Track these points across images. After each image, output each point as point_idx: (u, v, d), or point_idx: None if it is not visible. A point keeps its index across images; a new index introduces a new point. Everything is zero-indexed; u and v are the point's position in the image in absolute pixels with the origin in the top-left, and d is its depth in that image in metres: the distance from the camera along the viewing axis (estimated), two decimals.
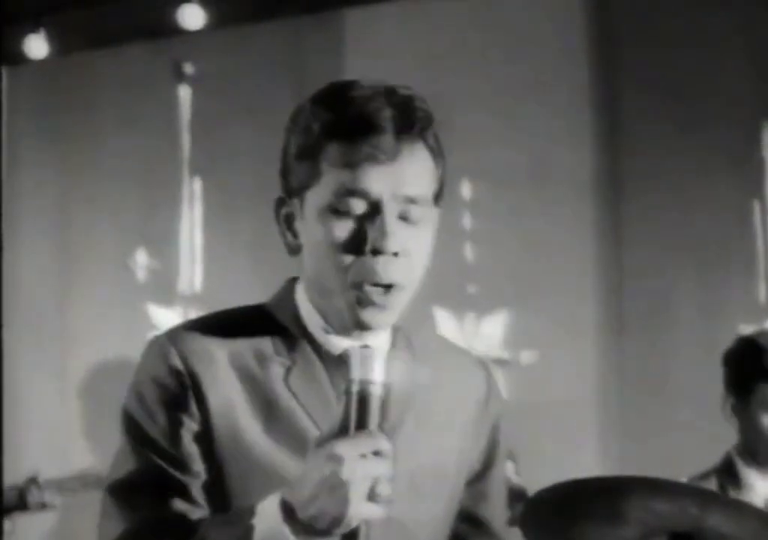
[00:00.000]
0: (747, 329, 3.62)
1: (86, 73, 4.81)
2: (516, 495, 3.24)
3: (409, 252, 1.52)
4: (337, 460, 1.36)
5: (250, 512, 1.42)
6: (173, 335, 1.56)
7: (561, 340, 4.05)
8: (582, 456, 3.93)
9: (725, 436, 2.96)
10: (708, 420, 3.17)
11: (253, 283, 4.41)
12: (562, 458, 3.76)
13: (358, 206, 1.51)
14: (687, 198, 3.98)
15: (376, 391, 1.41)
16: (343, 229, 1.51)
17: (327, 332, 1.57)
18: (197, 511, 1.51)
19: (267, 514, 1.41)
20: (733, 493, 2.81)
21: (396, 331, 1.62)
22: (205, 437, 1.52)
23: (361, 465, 1.37)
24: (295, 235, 1.60)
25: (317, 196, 1.53)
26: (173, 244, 4.70)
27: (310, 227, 1.55)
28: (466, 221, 4.19)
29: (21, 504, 3.86)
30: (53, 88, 4.88)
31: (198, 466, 1.52)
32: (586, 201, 4.11)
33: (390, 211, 1.50)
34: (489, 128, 4.10)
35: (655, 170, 4.04)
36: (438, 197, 1.60)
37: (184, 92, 4.72)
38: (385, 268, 1.50)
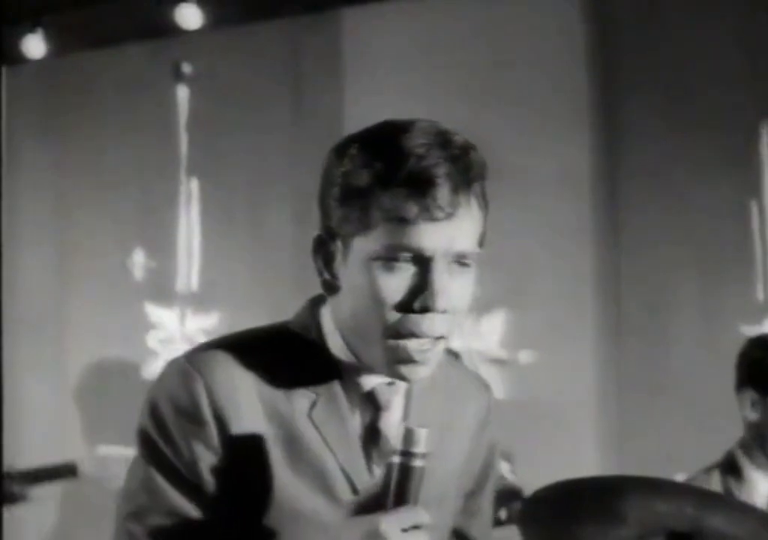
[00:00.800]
0: (746, 329, 3.62)
1: (85, 73, 4.81)
2: (511, 494, 3.25)
3: (456, 308, 1.49)
4: (381, 537, 1.37)
5: None
6: (197, 361, 1.51)
7: (559, 340, 4.05)
8: (580, 456, 3.93)
9: (725, 435, 2.96)
10: (707, 419, 3.18)
11: (250, 283, 4.41)
12: (561, 458, 3.76)
13: (409, 262, 1.46)
14: (686, 198, 3.98)
15: (418, 464, 1.40)
16: (392, 283, 1.46)
17: (354, 366, 1.54)
18: None
19: None
20: (735, 489, 2.81)
21: None
22: (226, 471, 1.48)
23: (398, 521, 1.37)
24: (333, 275, 1.53)
25: (365, 244, 1.47)
26: (171, 243, 4.70)
27: (353, 274, 1.49)
28: None
29: None
30: (52, 88, 4.88)
31: (218, 498, 1.49)
32: (585, 201, 4.11)
33: (441, 269, 1.47)
34: (488, 128, 4.10)
35: (654, 171, 4.04)
36: (482, 241, 1.57)
37: (183, 92, 4.72)
38: (432, 324, 1.47)
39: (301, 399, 1.52)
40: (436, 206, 1.45)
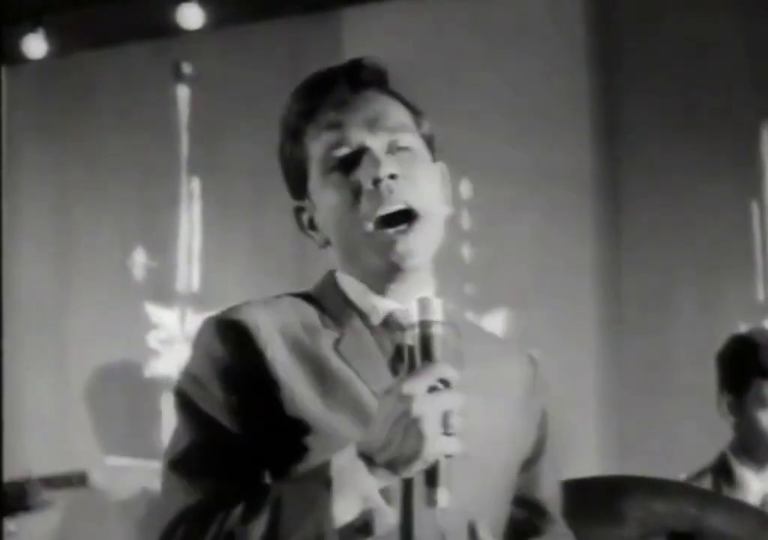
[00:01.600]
0: (745, 328, 3.63)
1: (85, 73, 4.81)
2: None
3: (409, 176, 1.56)
4: (407, 398, 1.38)
5: (326, 466, 1.42)
6: (223, 313, 1.58)
7: (560, 339, 4.05)
8: (581, 456, 3.93)
9: (725, 434, 2.96)
10: (707, 419, 3.18)
11: (251, 283, 4.41)
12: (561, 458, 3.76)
13: (347, 157, 1.57)
14: (686, 198, 3.98)
15: (437, 331, 1.43)
16: (343, 181, 1.57)
17: (372, 299, 1.59)
18: (260, 478, 1.50)
19: (344, 464, 1.41)
20: (727, 491, 2.82)
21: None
22: (262, 404, 1.51)
23: (430, 399, 1.38)
24: (318, 229, 1.65)
25: (315, 174, 1.62)
26: (172, 243, 4.70)
27: (321, 206, 1.61)
28: (466, 221, 4.19)
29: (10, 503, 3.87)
30: (52, 87, 4.88)
31: (257, 433, 1.51)
32: (586, 201, 4.11)
33: (375, 146, 1.56)
34: (488, 128, 4.10)
35: (654, 170, 4.04)
36: (430, 144, 1.65)
37: (183, 92, 4.72)
38: (389, 190, 1.54)
39: (326, 338, 1.57)
40: (341, 100, 1.60)
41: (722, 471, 2.88)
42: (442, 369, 1.41)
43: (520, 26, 4.17)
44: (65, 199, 4.85)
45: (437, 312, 1.44)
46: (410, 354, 1.44)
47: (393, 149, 1.58)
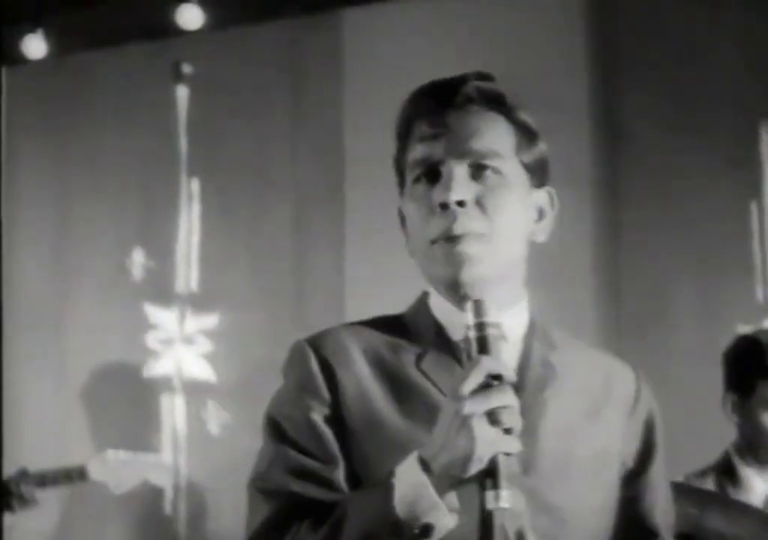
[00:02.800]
0: (745, 329, 3.62)
1: (85, 74, 4.80)
2: None
3: (484, 203, 1.56)
4: (458, 398, 1.39)
5: (389, 474, 1.43)
6: (310, 338, 1.61)
7: None
8: None
9: (725, 435, 2.96)
10: (707, 419, 3.17)
11: (250, 284, 4.41)
12: None
13: (428, 173, 1.58)
14: (686, 199, 3.98)
15: (491, 331, 1.44)
16: (421, 196, 1.57)
17: (454, 314, 1.58)
18: (338, 496, 1.51)
19: (406, 472, 1.42)
20: (731, 492, 2.81)
21: (533, 321, 1.67)
22: (342, 423, 1.53)
23: (480, 397, 1.38)
24: (405, 227, 1.67)
25: (407, 180, 1.62)
26: (171, 244, 4.69)
27: (407, 212, 1.63)
28: None
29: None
30: (52, 88, 4.88)
31: (335, 453, 1.53)
32: (585, 201, 4.11)
33: (455, 169, 1.56)
34: None
35: (654, 171, 4.03)
36: (535, 169, 1.65)
37: (183, 92, 4.72)
38: (455, 219, 1.54)
39: (408, 354, 1.58)
40: (439, 113, 1.58)
41: (726, 471, 2.87)
42: (492, 364, 1.41)
43: (521, 26, 4.17)
44: (65, 199, 4.85)
45: (490, 314, 1.45)
46: (468, 355, 1.45)
47: (478, 172, 1.57)
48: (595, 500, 1.60)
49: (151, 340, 4.64)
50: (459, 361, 1.57)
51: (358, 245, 4.18)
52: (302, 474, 1.52)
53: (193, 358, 4.56)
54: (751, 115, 3.96)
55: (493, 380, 1.40)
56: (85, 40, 4.69)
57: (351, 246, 4.22)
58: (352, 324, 1.65)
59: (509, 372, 1.42)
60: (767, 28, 3.90)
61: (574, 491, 1.56)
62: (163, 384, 4.58)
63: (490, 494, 1.38)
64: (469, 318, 1.46)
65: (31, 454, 4.41)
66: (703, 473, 2.90)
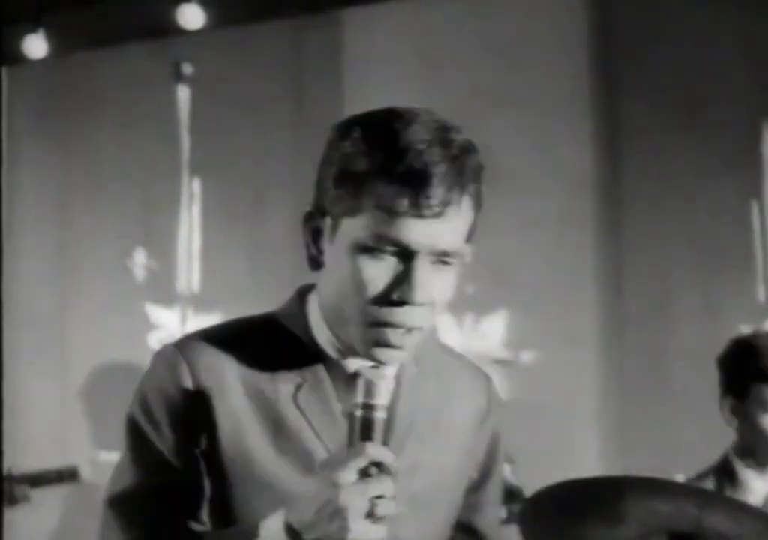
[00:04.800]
0: (746, 329, 3.62)
1: (86, 73, 4.81)
2: (512, 495, 3.25)
3: (434, 301, 1.49)
4: (335, 486, 1.37)
5: (254, 530, 1.42)
6: (183, 346, 1.54)
7: (561, 340, 4.05)
8: (581, 456, 3.93)
9: (725, 436, 2.96)
10: (708, 420, 3.17)
11: (251, 283, 4.42)
12: (562, 458, 3.76)
13: (393, 254, 1.47)
14: (686, 198, 3.98)
15: (379, 416, 1.41)
16: (373, 272, 1.47)
17: (339, 352, 1.55)
18: (199, 526, 1.50)
19: (271, 533, 1.41)
20: (730, 493, 2.81)
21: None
22: (212, 453, 1.50)
23: (357, 489, 1.37)
24: (320, 250, 1.54)
25: (353, 229, 1.48)
26: (172, 244, 4.70)
27: (339, 255, 1.50)
28: None
29: None
30: (53, 88, 4.88)
31: (202, 481, 1.50)
32: (586, 201, 4.11)
33: (423, 265, 1.47)
34: (488, 128, 4.10)
35: (654, 171, 4.04)
36: (470, 238, 1.56)
37: (183, 92, 4.72)
38: (409, 316, 1.47)
39: (286, 383, 1.53)
40: (427, 205, 1.45)
41: (725, 472, 2.87)
42: (375, 452, 1.39)
43: (521, 27, 4.17)
44: (65, 199, 4.85)
45: (382, 395, 1.41)
46: (351, 432, 1.41)
47: (437, 265, 1.49)
48: (439, 524, 1.63)
49: (153, 339, 4.65)
50: (340, 400, 1.54)
51: None
52: (167, 500, 1.49)
53: None
54: (751, 114, 3.96)
55: (373, 467, 1.39)
56: (85, 39, 4.69)
57: None
58: (227, 330, 1.58)
59: (390, 460, 1.40)
60: (767, 28, 3.90)
61: (423, 522, 1.58)
62: None
63: None
64: (359, 395, 1.41)
65: (31, 453, 4.41)
66: (702, 475, 2.90)
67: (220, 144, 4.62)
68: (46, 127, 4.88)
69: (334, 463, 1.39)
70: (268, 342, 1.56)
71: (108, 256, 4.75)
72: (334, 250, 1.50)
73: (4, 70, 4.69)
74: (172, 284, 4.69)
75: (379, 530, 1.39)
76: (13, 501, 3.95)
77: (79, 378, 4.66)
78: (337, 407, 1.54)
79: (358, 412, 1.41)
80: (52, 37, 4.63)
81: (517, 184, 4.08)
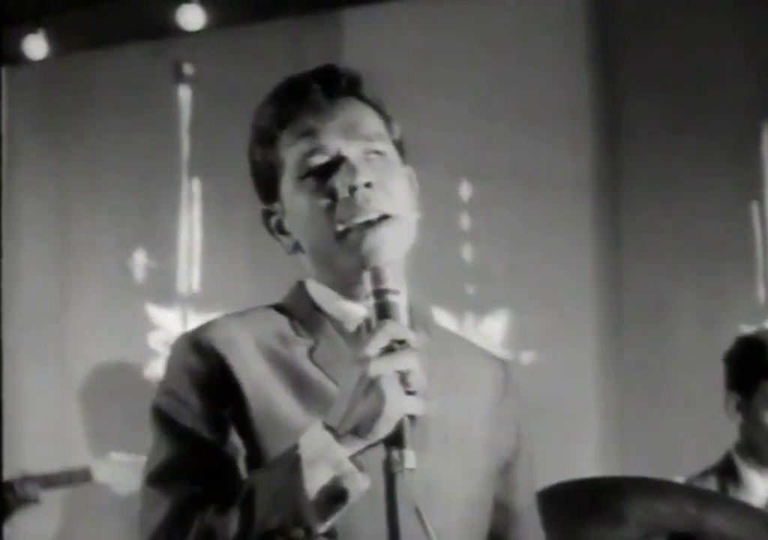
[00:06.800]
0: (747, 330, 3.62)
1: (86, 74, 4.80)
2: None
3: (384, 184, 1.57)
4: (363, 361, 1.40)
5: (294, 446, 1.43)
6: (197, 329, 1.61)
7: (560, 340, 4.05)
8: (581, 456, 3.93)
9: (725, 436, 2.96)
10: (708, 420, 3.18)
11: (251, 284, 4.41)
12: (562, 459, 3.76)
13: (322, 164, 1.58)
14: (686, 199, 3.98)
15: (391, 298, 1.45)
16: (318, 187, 1.58)
17: (343, 305, 1.60)
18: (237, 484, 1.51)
19: (311, 439, 1.42)
20: (732, 492, 2.81)
21: (412, 311, 1.61)
22: (240, 415, 1.53)
23: (386, 359, 1.40)
24: (288, 234, 1.68)
25: (288, 180, 1.62)
26: (172, 244, 4.70)
27: (293, 211, 1.63)
28: (465, 221, 4.18)
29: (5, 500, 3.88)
30: (53, 88, 4.88)
31: (236, 443, 1.52)
32: (586, 202, 4.11)
33: (351, 154, 1.58)
34: (488, 128, 4.10)
35: (654, 171, 4.04)
36: (400, 149, 1.66)
37: (184, 93, 4.72)
38: (366, 200, 1.55)
39: (300, 346, 1.58)
40: (318, 107, 1.61)
41: (727, 472, 2.88)
42: (396, 328, 1.42)
43: (520, 27, 4.17)
44: (65, 200, 4.85)
45: (389, 280, 1.47)
46: (368, 325, 1.46)
47: (368, 156, 1.59)
48: (477, 494, 1.62)
49: (153, 340, 4.65)
50: (353, 351, 1.56)
51: None
52: (203, 466, 1.51)
53: None
54: (751, 115, 3.96)
55: (397, 344, 1.41)
56: (85, 40, 4.69)
57: None
58: (235, 315, 1.64)
59: (412, 337, 1.43)
60: (767, 28, 3.90)
61: (461, 487, 1.59)
62: None
63: (395, 455, 1.40)
64: (368, 286, 1.47)
65: (32, 454, 4.41)
66: (704, 474, 2.90)
67: (221, 144, 4.62)
68: (46, 127, 4.88)
69: (355, 351, 1.43)
70: (277, 318, 1.63)
71: (108, 256, 4.74)
72: (290, 213, 1.64)
73: (4, 70, 4.70)
74: (172, 284, 4.69)
75: (417, 403, 1.40)
76: (23, 503, 3.95)
77: (79, 378, 4.66)
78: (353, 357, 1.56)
79: (371, 301, 1.45)
80: (52, 37, 4.63)
81: (516, 184, 4.08)
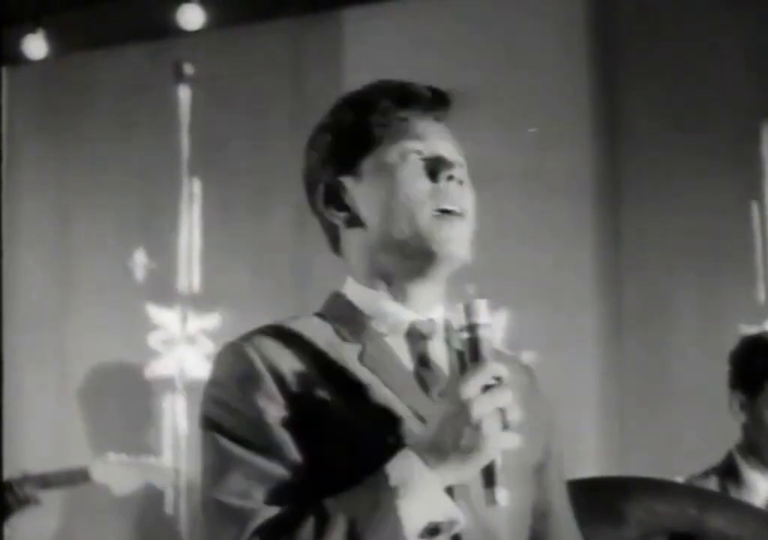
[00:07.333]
0: (747, 330, 3.62)
1: (86, 74, 4.80)
2: None
3: (466, 191, 1.69)
4: (464, 403, 1.43)
5: (383, 478, 1.44)
6: (243, 337, 1.60)
7: (561, 340, 4.05)
8: (582, 456, 3.93)
9: (726, 435, 2.96)
10: (708, 420, 3.18)
11: (251, 283, 4.41)
12: None
13: (425, 156, 1.66)
14: (686, 199, 3.98)
15: (484, 333, 1.50)
16: (416, 172, 1.64)
17: (388, 307, 1.63)
18: (310, 494, 1.50)
19: (403, 470, 1.44)
20: (734, 493, 2.81)
21: (447, 317, 1.69)
22: (293, 422, 1.53)
23: (487, 399, 1.44)
24: (347, 209, 1.68)
25: (377, 158, 1.66)
26: (172, 244, 4.70)
27: (376, 187, 1.65)
28: None
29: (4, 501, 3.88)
30: (53, 88, 4.88)
31: (295, 456, 1.52)
32: (586, 201, 4.11)
33: (450, 158, 1.67)
34: (488, 128, 4.10)
35: (654, 171, 4.04)
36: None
37: (184, 93, 4.72)
38: (458, 194, 1.66)
39: (349, 351, 1.60)
40: (425, 114, 1.69)
41: (729, 472, 2.88)
42: (493, 367, 1.47)
43: (521, 27, 4.17)
44: (65, 200, 4.85)
45: (483, 314, 1.52)
46: (460, 357, 1.51)
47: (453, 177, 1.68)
48: (522, 494, 1.64)
49: (153, 340, 4.65)
50: (401, 354, 1.62)
51: None
52: (265, 479, 1.50)
53: (195, 359, 4.57)
54: (751, 115, 3.96)
55: (494, 381, 1.46)
56: (85, 40, 4.69)
57: None
58: (278, 323, 1.64)
59: (506, 372, 1.47)
60: (767, 28, 3.90)
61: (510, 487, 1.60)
62: (165, 384, 4.59)
63: (489, 492, 1.44)
64: (462, 319, 1.52)
65: (31, 454, 4.41)
66: (705, 474, 2.90)
67: (220, 144, 4.62)
68: (46, 127, 4.88)
69: (454, 386, 1.46)
70: (321, 324, 1.64)
71: (108, 257, 4.74)
72: (370, 189, 1.66)
73: (4, 70, 4.70)
74: (172, 284, 4.69)
75: (512, 438, 1.44)
76: (22, 503, 3.95)
77: (79, 378, 4.66)
78: (401, 363, 1.60)
79: (464, 335, 1.50)
80: (52, 37, 4.63)
81: (516, 184, 4.08)
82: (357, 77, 4.40)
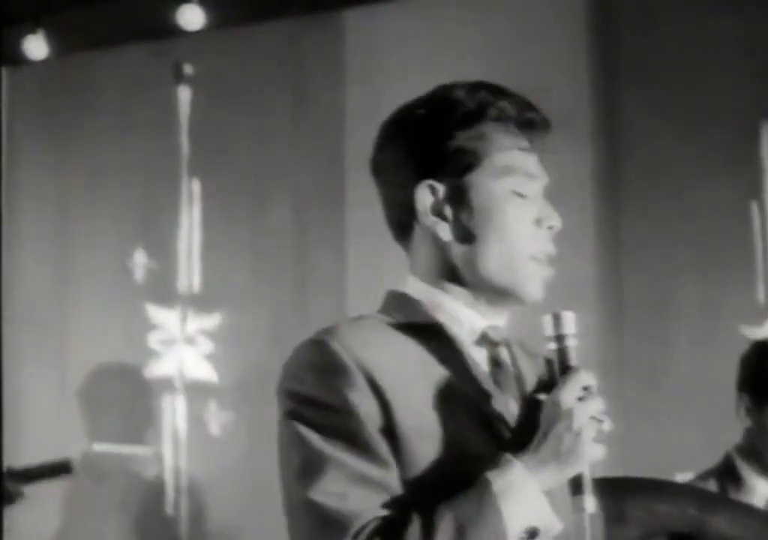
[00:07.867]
0: (747, 329, 3.62)
1: (86, 74, 4.81)
2: None
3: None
4: (568, 411, 1.48)
5: (485, 484, 1.45)
6: (323, 330, 1.57)
7: None
8: None
9: (725, 435, 2.96)
10: (708, 420, 3.17)
11: (251, 283, 4.41)
12: None
13: (530, 188, 1.65)
14: (686, 198, 3.98)
15: (572, 343, 1.56)
16: (520, 205, 1.63)
17: (462, 313, 1.64)
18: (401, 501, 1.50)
19: (505, 475, 1.46)
20: (733, 494, 2.81)
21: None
22: (387, 423, 1.51)
23: (583, 409, 1.48)
24: (445, 218, 1.63)
25: (487, 171, 1.63)
26: (172, 244, 4.70)
27: (488, 202, 1.62)
28: None
29: None
30: (53, 88, 4.88)
31: (389, 458, 1.50)
32: (586, 201, 4.11)
33: (553, 217, 1.68)
34: None
35: (654, 170, 4.04)
36: None
37: (184, 93, 4.72)
38: (551, 242, 1.66)
39: (425, 354, 1.58)
40: (533, 136, 1.73)
41: (728, 473, 2.87)
42: (584, 377, 1.51)
43: (521, 27, 4.17)
44: (65, 199, 4.85)
45: (570, 325, 1.58)
46: (549, 367, 1.54)
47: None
48: None
49: (153, 340, 4.65)
50: (475, 359, 1.63)
51: (358, 245, 4.18)
52: (363, 481, 1.48)
53: (195, 359, 4.57)
54: (751, 115, 3.96)
55: (585, 391, 1.51)
56: (85, 40, 4.69)
57: (351, 245, 4.22)
58: (355, 319, 1.62)
59: (594, 382, 1.52)
60: (767, 28, 3.90)
61: None
62: (165, 384, 4.59)
63: (577, 499, 1.48)
64: (548, 330, 1.59)
65: (31, 453, 4.41)
66: (704, 476, 2.89)
67: (220, 144, 4.62)
68: (46, 127, 4.88)
69: (554, 395, 1.49)
70: (392, 324, 1.61)
71: (108, 257, 4.74)
72: (483, 202, 1.62)
73: (4, 70, 4.70)
74: (173, 285, 4.69)
75: (602, 449, 1.51)
76: (9, 499, 3.94)
77: (79, 378, 4.66)
78: (477, 366, 1.62)
79: (552, 345, 1.57)
80: (52, 38, 4.63)
81: None
82: (357, 77, 4.42)
